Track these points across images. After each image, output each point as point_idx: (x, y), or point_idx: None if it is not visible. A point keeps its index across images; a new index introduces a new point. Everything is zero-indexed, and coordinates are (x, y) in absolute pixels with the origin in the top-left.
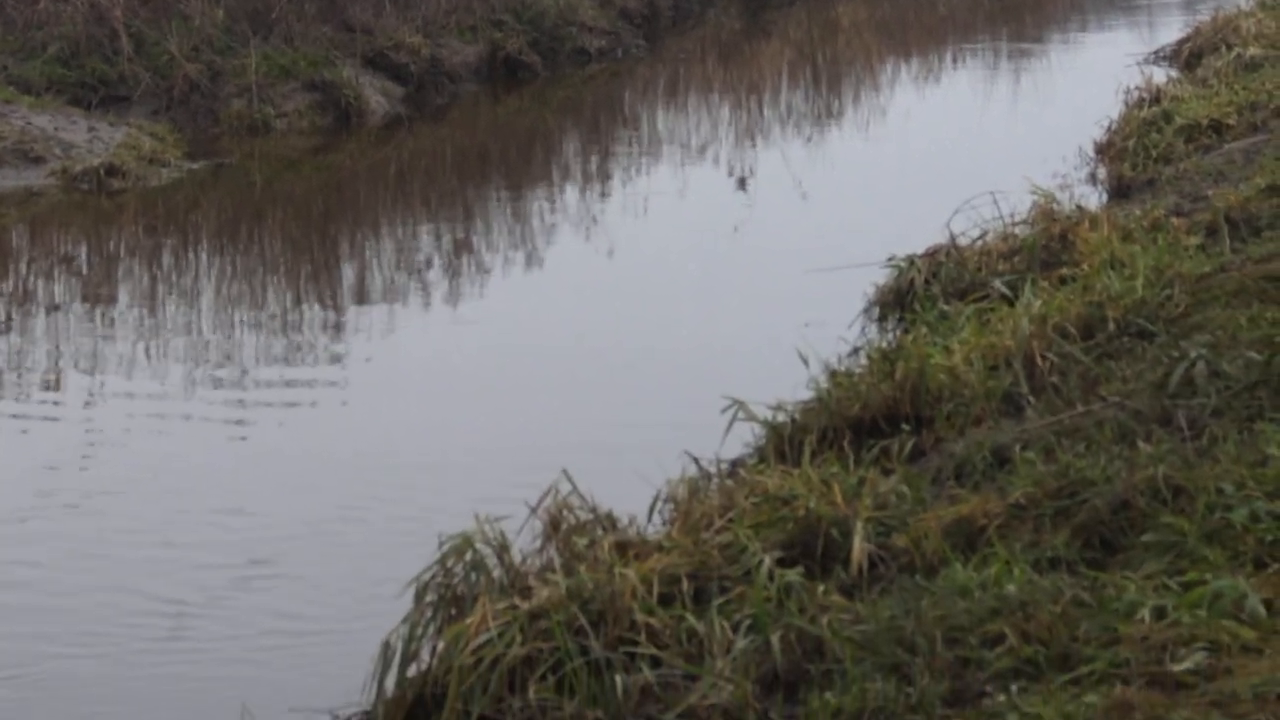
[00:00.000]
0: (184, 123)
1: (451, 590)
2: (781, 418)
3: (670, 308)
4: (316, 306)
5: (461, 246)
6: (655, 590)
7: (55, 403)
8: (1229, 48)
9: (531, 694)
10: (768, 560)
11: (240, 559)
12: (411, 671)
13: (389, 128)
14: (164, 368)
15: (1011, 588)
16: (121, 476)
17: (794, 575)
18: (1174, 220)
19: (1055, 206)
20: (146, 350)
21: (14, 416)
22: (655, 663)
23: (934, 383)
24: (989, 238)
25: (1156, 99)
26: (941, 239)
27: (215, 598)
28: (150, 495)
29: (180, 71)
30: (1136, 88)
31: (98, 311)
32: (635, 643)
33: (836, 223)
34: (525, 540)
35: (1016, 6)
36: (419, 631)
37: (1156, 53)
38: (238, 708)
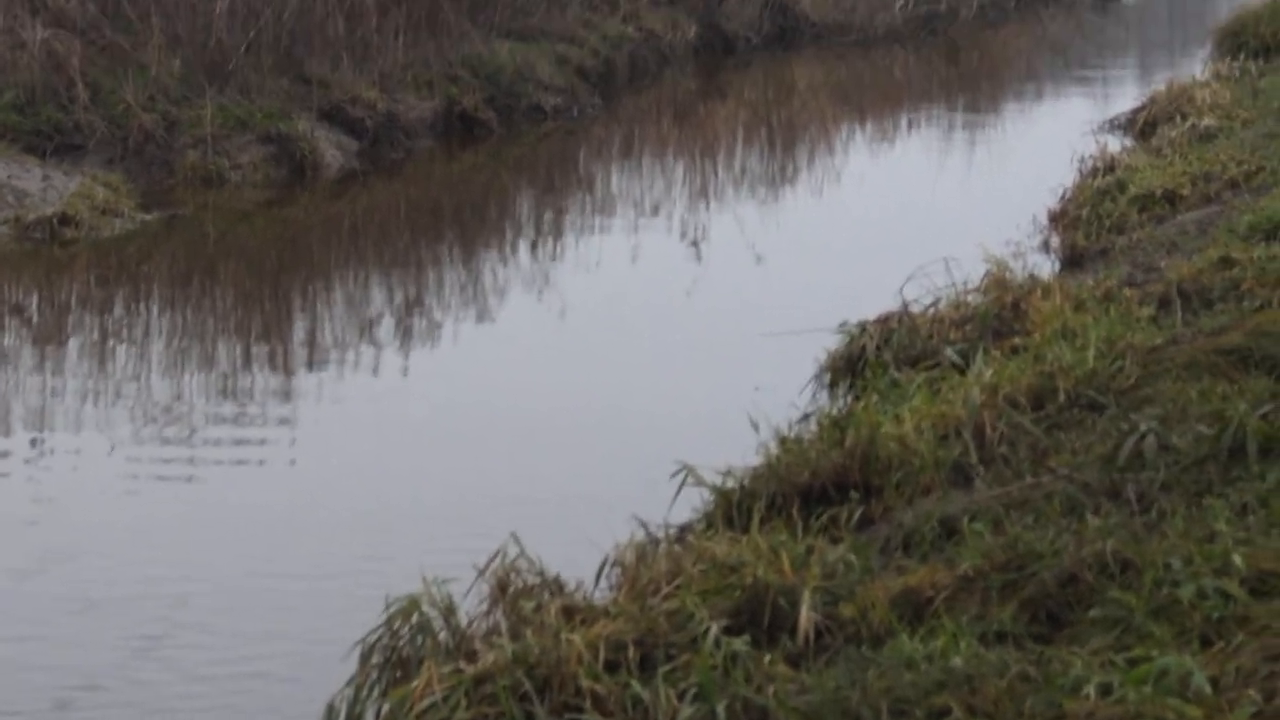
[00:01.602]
0: (139, 173)
1: (397, 652)
2: (730, 483)
3: (621, 369)
4: (267, 362)
5: (413, 303)
6: (601, 656)
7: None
8: (1183, 118)
9: None
10: (714, 628)
11: (186, 618)
12: None
13: (344, 182)
14: (112, 422)
15: (958, 661)
16: (65, 536)
17: (740, 644)
18: (1126, 291)
19: (1008, 275)
20: (95, 403)
21: None
22: None
23: (884, 451)
24: (941, 305)
25: (1111, 168)
26: (894, 305)
27: (158, 658)
28: (93, 553)
29: (136, 121)
30: (1091, 156)
31: (47, 363)
32: (580, 709)
33: (789, 286)
34: (472, 603)
35: (972, 73)
36: (364, 694)
37: (1111, 121)
38: None
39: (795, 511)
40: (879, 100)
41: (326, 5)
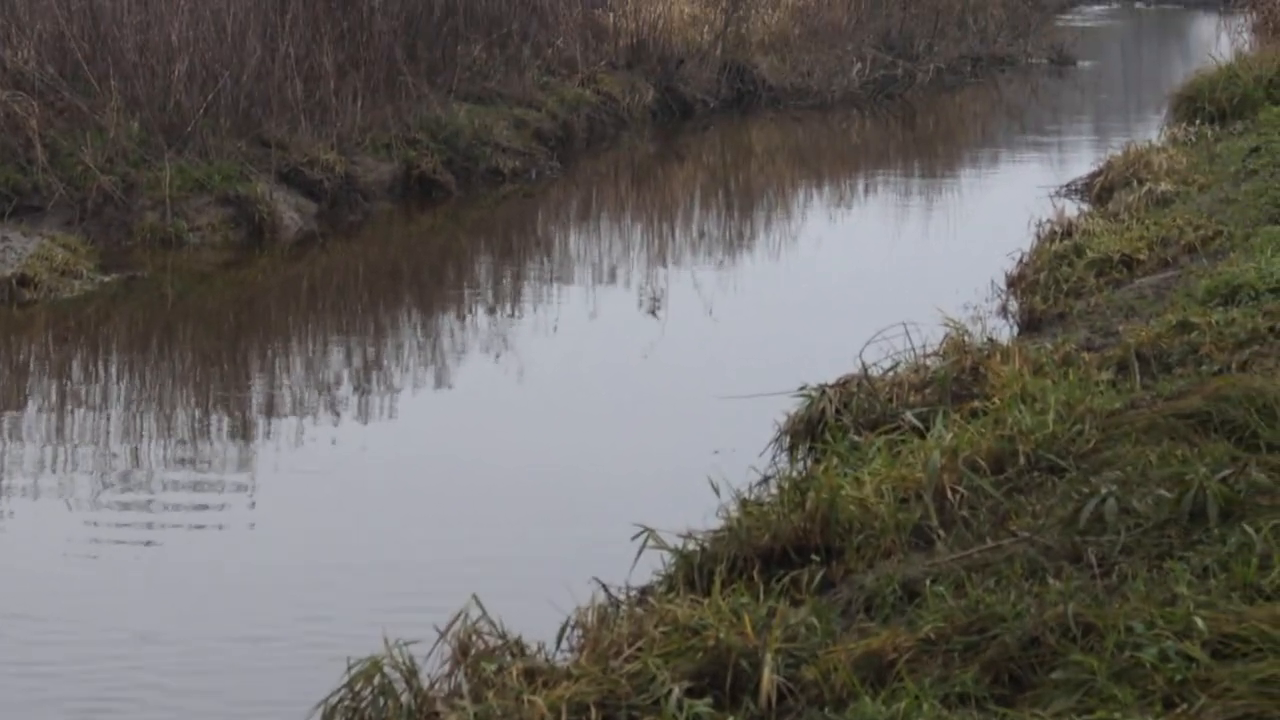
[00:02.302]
0: (97, 234)
1: (359, 714)
2: (691, 546)
3: (580, 431)
4: (225, 423)
5: (372, 365)
6: (564, 718)
7: None
8: (1140, 182)
9: None
10: (676, 690)
11: (147, 678)
12: None
13: (302, 244)
14: (70, 483)
15: None
16: (21, 596)
17: (702, 706)
18: (1085, 355)
19: (967, 339)
20: (53, 465)
21: None
22: None
23: (844, 514)
24: (901, 369)
25: (1068, 232)
26: (853, 368)
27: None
28: (50, 616)
29: (94, 183)
30: (1048, 220)
31: (4, 425)
32: None
33: (748, 349)
34: (434, 665)
35: (928, 137)
36: None
37: (1068, 185)
38: None
39: (756, 574)
40: (836, 164)
41: (285, 68)
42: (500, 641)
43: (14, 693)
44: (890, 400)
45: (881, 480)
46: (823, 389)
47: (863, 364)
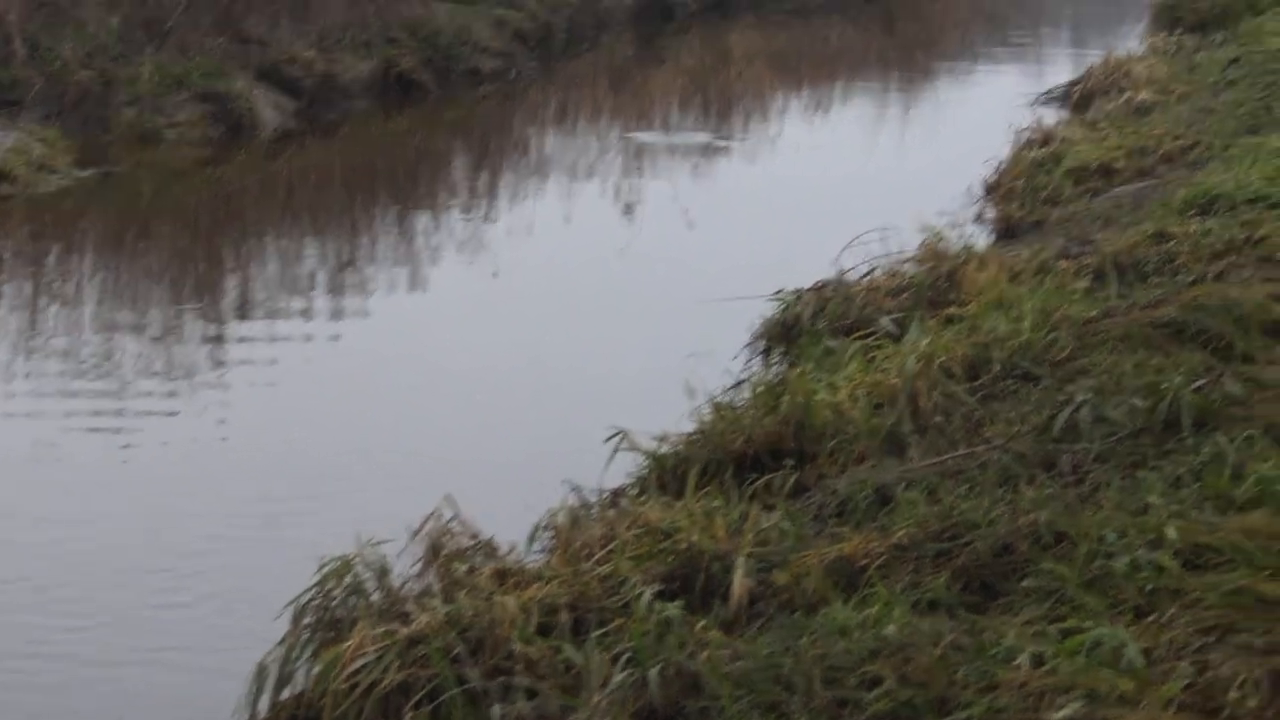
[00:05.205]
0: (75, 130)
1: (330, 613)
2: (665, 449)
3: (554, 333)
4: (199, 320)
5: (347, 264)
6: (534, 620)
7: None
8: (1120, 92)
9: None
10: (648, 593)
11: (120, 574)
12: (286, 695)
13: (280, 141)
14: (43, 375)
15: (891, 629)
16: None
17: (674, 609)
18: (1061, 263)
19: (943, 245)
20: (26, 357)
21: None
22: (532, 694)
23: (818, 419)
24: (877, 274)
25: (1046, 141)
26: (830, 273)
27: (85, 620)
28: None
29: (73, 78)
30: (1027, 129)
31: None
32: (513, 672)
33: (724, 253)
34: (406, 565)
35: (908, 43)
36: (295, 654)
37: (1047, 94)
38: None
39: (729, 478)
40: (815, 68)
41: None
42: (472, 542)
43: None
44: (866, 306)
45: (856, 385)
46: (798, 293)
47: (839, 269)
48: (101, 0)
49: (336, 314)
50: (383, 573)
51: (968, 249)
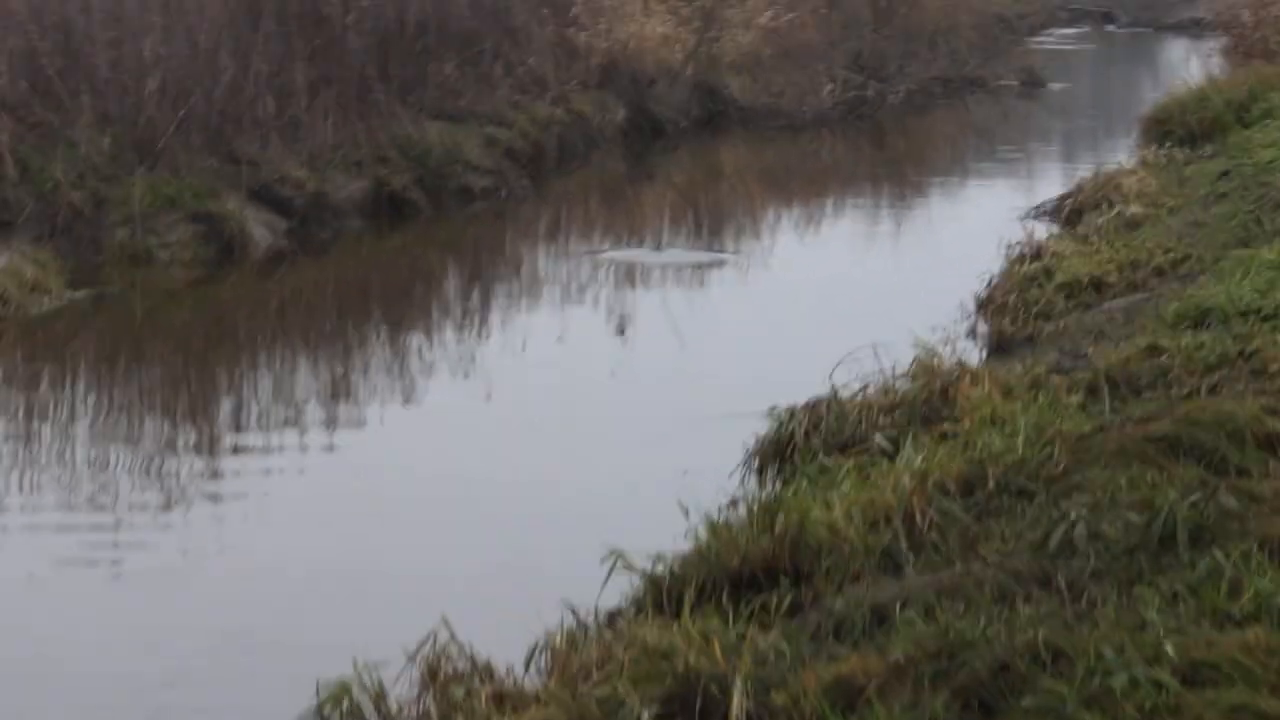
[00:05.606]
0: (67, 250)
1: None
2: (660, 569)
3: (548, 452)
4: (193, 442)
5: (340, 384)
6: None
7: None
8: (1110, 205)
9: None
10: (646, 715)
11: (119, 701)
12: None
13: (272, 261)
14: (37, 501)
15: None
16: None
17: None
18: (1054, 378)
19: (936, 361)
20: (19, 485)
21: None
22: None
23: (813, 537)
24: (870, 391)
25: (1038, 255)
26: (823, 390)
27: None
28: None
29: (65, 198)
30: (1018, 243)
31: None
32: None
33: (717, 370)
34: (403, 688)
35: (898, 158)
36: None
37: (1038, 208)
38: None
39: (726, 597)
40: (806, 184)
41: (256, 85)
42: (469, 665)
43: None
44: (860, 423)
45: (851, 503)
46: (792, 411)
47: (832, 386)
48: (92, 120)
49: (330, 434)
50: (380, 697)
51: (961, 365)
